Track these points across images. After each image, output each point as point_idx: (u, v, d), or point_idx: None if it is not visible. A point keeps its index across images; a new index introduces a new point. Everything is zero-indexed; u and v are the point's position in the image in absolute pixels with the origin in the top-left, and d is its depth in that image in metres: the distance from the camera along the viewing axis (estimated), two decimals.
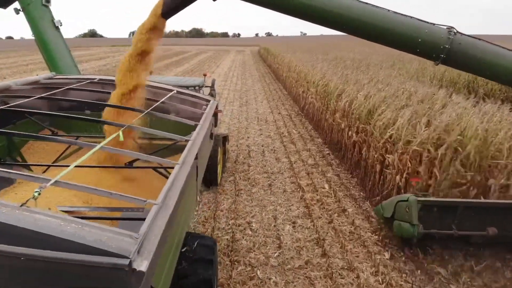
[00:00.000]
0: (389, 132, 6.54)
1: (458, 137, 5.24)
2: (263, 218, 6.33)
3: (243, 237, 5.66)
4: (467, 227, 4.82)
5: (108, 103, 4.30)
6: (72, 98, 4.89)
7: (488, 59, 4.98)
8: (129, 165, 3.65)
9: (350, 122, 9.17)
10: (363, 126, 8.28)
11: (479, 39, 5.09)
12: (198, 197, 4.14)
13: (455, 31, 5.12)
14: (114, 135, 3.17)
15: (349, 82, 11.85)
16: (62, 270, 1.52)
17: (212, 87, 8.65)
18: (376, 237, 5.64)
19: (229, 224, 6.08)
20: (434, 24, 5.20)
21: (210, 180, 7.26)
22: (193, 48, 78.38)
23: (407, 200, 4.80)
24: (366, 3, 5.35)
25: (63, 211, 2.77)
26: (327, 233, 5.89)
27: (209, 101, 5.69)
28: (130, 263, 1.53)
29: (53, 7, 7.96)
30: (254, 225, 6.06)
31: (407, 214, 4.76)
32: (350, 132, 8.75)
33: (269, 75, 29.20)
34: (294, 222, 6.22)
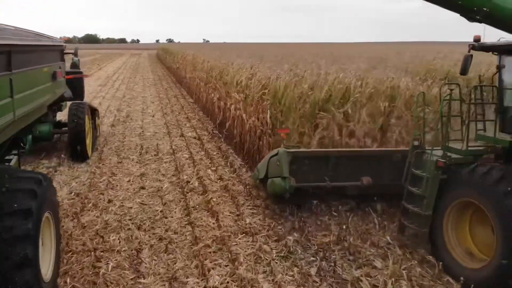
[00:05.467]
0: None
1: None
2: None
3: None
4: (341, 178, 4.67)
5: None
6: None
7: None
8: None
9: None
10: None
11: None
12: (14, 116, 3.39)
13: None
14: None
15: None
16: None
17: (75, 55, 8.15)
18: None
19: None
20: None
21: (80, 150, 6.76)
22: (80, 52, 66.72)
23: (277, 154, 4.67)
24: None
25: None
26: None
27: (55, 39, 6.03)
28: None
29: None
30: None
31: (278, 168, 4.57)
32: None
33: (168, 78, 22.55)
34: None
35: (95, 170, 6.44)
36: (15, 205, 2.74)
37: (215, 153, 7.72)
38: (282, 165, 4.53)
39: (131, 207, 5.14)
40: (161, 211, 5.01)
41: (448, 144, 3.98)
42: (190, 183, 6.00)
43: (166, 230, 4.53)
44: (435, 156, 3.95)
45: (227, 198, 5.47)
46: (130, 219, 4.80)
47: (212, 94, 10.43)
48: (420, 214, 3.92)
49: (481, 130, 3.95)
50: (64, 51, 7.45)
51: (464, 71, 3.86)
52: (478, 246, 3.73)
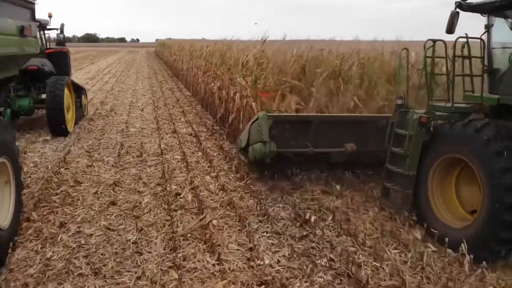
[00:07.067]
0: None
1: None
2: None
3: None
4: (324, 145, 4.51)
5: None
6: None
7: None
8: None
9: None
10: None
11: None
12: None
13: None
14: None
15: None
16: None
17: (60, 31, 8.08)
18: None
19: None
20: None
21: (57, 125, 6.51)
22: (73, 49, 65.28)
23: (258, 119, 4.50)
24: None
25: None
26: None
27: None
28: None
29: None
30: None
31: (259, 134, 4.40)
32: None
33: (164, 72, 20.85)
34: None
35: (52, 176, 4.74)
36: None
37: (215, 153, 6.02)
38: (262, 129, 4.33)
39: (91, 235, 3.45)
40: (134, 242, 3.32)
41: (433, 102, 3.84)
42: (181, 196, 4.30)
43: (139, 278, 2.84)
44: (418, 114, 3.76)
45: (233, 220, 3.78)
46: (85, 256, 3.11)
47: (212, 84, 8.74)
48: (403, 174, 3.80)
49: (469, 92, 3.82)
50: (48, 26, 7.73)
51: (450, 29, 3.63)
52: (464, 205, 3.62)
